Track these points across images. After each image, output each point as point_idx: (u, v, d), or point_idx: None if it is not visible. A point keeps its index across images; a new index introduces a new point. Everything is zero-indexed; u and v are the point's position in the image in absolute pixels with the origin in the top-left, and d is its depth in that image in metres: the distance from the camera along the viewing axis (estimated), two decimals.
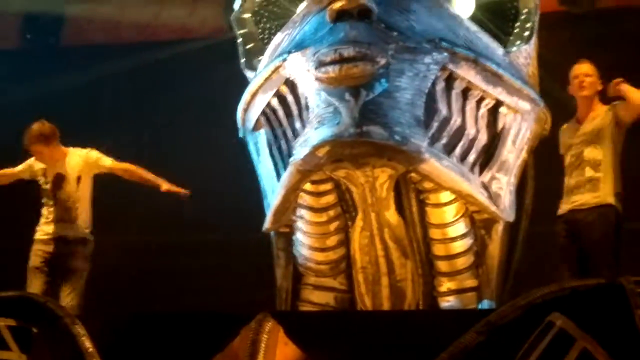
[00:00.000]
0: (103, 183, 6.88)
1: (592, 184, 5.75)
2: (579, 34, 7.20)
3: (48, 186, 6.83)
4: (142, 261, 7.67)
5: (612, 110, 5.87)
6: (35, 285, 6.55)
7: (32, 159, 6.95)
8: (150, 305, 6.62)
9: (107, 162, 6.87)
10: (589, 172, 5.77)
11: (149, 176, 6.86)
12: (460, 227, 5.52)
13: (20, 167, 6.98)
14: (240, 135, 6.15)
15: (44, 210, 6.87)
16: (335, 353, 4.24)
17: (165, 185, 6.81)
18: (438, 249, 5.56)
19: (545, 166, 6.24)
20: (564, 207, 5.86)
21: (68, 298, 6.47)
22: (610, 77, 5.88)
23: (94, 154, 6.90)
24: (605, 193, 5.74)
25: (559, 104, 6.04)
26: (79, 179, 6.82)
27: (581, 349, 3.62)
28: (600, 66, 5.81)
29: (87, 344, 4.39)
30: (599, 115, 5.89)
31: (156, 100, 7.02)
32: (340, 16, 5.18)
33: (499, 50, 5.85)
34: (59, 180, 6.81)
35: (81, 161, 6.87)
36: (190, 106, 7.87)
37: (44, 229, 6.82)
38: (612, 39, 7.17)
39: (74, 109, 7.08)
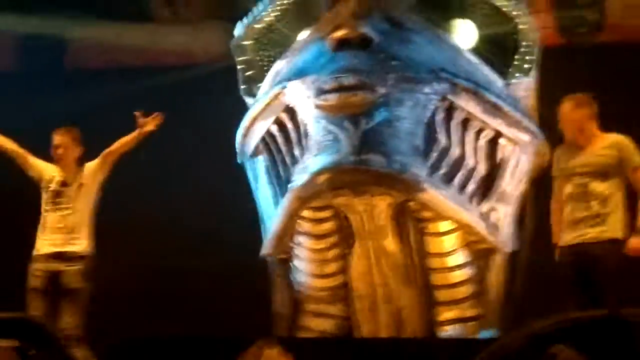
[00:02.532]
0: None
1: (600, 219, 5.69)
2: (580, 68, 7.22)
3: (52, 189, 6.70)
4: (140, 284, 7.63)
5: (626, 165, 5.77)
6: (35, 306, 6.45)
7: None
8: (149, 329, 6.56)
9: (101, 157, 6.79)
10: (596, 207, 5.68)
11: (128, 138, 6.74)
12: (460, 257, 5.53)
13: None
14: (239, 160, 6.17)
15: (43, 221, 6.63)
16: None
17: (141, 130, 6.70)
18: (437, 278, 5.55)
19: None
20: (569, 238, 5.78)
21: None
22: (609, 109, 5.88)
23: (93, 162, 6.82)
24: (614, 228, 5.68)
25: (559, 136, 6.02)
26: (80, 185, 6.70)
27: None
28: (599, 99, 5.82)
29: None
30: (606, 148, 5.81)
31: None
32: (341, 45, 5.24)
33: (498, 81, 5.89)
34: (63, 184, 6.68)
35: (87, 169, 6.78)
36: (190, 132, 7.87)
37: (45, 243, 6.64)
38: (612, 73, 7.19)
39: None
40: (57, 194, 6.64)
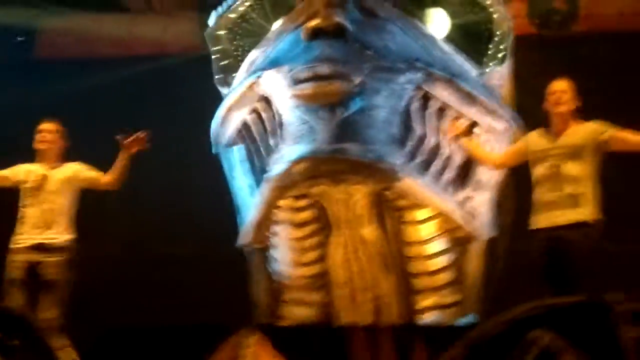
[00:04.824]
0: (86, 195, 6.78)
1: (572, 200, 5.68)
2: (552, 57, 7.29)
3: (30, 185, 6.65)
4: (121, 274, 7.63)
5: (599, 135, 5.76)
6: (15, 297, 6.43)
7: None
8: (129, 319, 6.57)
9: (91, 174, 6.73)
10: (568, 188, 5.69)
11: (118, 165, 6.68)
12: (437, 245, 5.56)
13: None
14: (214, 151, 6.17)
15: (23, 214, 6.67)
16: None
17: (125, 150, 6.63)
18: (415, 266, 5.57)
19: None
20: (541, 222, 5.78)
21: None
22: (583, 99, 5.91)
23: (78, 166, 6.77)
24: (586, 210, 5.68)
25: (533, 124, 6.06)
26: (62, 180, 6.65)
27: None
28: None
29: (69, 356, 4.37)
30: (580, 131, 5.80)
31: (129, 115, 6.98)
32: (316, 34, 5.23)
33: (473, 71, 5.94)
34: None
35: (70, 170, 6.74)
36: (164, 121, 7.86)
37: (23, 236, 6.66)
38: (584, 62, 7.27)
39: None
40: (36, 188, 6.61)
